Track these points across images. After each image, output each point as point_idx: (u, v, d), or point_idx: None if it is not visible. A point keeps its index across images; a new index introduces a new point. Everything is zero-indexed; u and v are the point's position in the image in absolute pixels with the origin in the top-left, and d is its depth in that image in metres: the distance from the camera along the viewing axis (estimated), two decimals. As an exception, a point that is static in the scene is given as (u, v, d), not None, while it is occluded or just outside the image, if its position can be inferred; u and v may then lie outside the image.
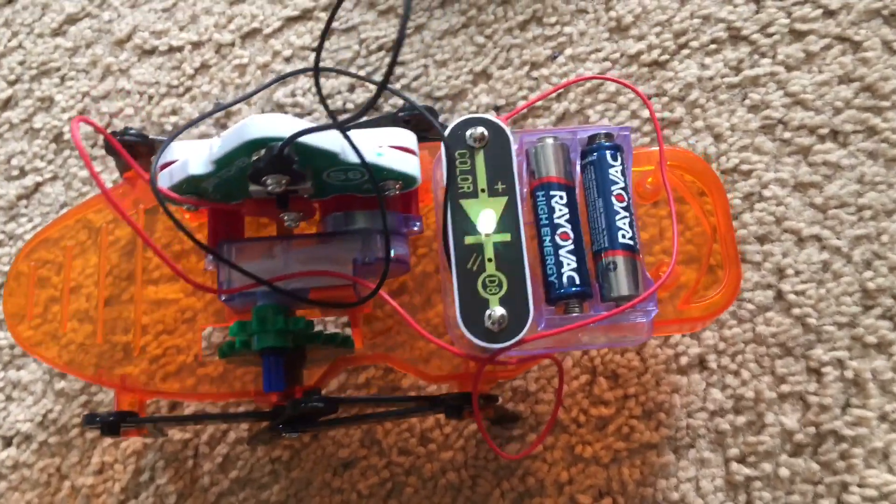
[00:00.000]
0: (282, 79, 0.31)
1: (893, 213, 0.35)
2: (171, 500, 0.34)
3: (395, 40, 0.21)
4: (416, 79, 0.39)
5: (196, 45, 0.40)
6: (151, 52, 0.40)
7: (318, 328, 0.35)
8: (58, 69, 0.40)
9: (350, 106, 0.38)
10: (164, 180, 0.25)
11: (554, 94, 0.38)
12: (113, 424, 0.29)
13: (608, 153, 0.29)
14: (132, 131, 0.31)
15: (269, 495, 0.34)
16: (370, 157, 0.25)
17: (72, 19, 0.41)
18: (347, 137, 0.24)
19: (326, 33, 0.21)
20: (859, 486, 0.32)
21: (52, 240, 0.33)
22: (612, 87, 0.37)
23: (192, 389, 0.32)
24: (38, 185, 0.39)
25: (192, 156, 0.25)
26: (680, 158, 0.31)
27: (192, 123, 0.27)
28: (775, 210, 0.35)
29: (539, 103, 0.38)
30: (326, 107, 0.23)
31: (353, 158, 0.24)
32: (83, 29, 0.41)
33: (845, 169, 0.36)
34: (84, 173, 0.39)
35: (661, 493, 0.33)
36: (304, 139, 0.23)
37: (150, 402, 0.35)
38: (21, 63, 0.41)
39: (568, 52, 0.38)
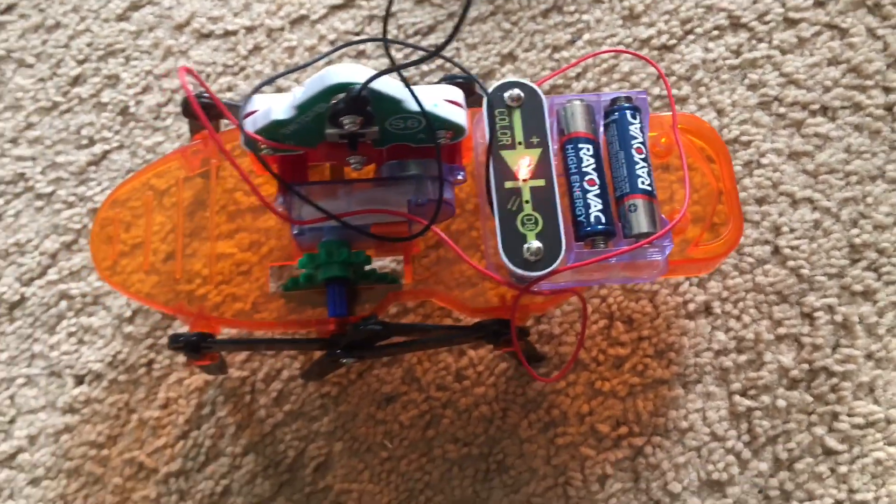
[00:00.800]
0: (352, 44, 0.35)
1: (877, 178, 0.39)
2: (230, 431, 0.38)
3: (461, 11, 0.25)
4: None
5: (249, 30, 0.44)
6: (208, 35, 0.45)
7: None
8: (123, 50, 0.45)
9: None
10: (249, 126, 0.29)
11: (573, 74, 0.42)
12: (194, 344, 0.33)
13: (628, 112, 0.33)
14: (206, 94, 0.35)
15: (319, 426, 0.38)
16: (428, 107, 0.29)
17: (135, 6, 0.46)
18: (408, 86, 0.28)
19: (390, 6, 0.25)
20: (848, 415, 0.36)
21: (120, 201, 0.37)
22: (626, 66, 0.42)
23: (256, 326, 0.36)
24: (105, 153, 0.43)
25: (274, 104, 0.29)
26: (690, 123, 0.36)
27: (272, 79, 0.31)
28: (772, 175, 0.40)
29: (560, 81, 0.42)
30: (392, 60, 0.27)
31: (414, 107, 0.29)
32: (146, 14, 0.45)
33: (834, 140, 0.40)
34: (147, 142, 0.43)
35: (672, 422, 0.37)
36: (375, 85, 0.27)
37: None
38: (89, 45, 0.45)
39: (586, 36, 0.43)
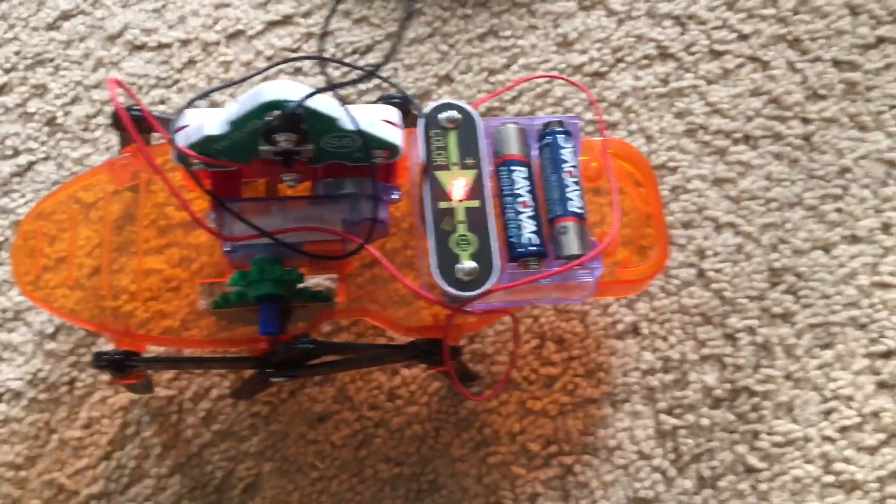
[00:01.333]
0: (289, 61, 0.35)
1: (795, 205, 0.41)
2: (156, 451, 0.37)
3: (396, 31, 0.25)
4: (387, 78, 0.43)
5: (184, 43, 0.44)
6: (141, 47, 0.44)
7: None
8: (52, 59, 0.44)
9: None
10: (181, 140, 0.29)
11: (508, 97, 0.43)
12: (119, 362, 0.32)
13: (560, 136, 0.34)
14: (136, 107, 0.34)
15: (248, 446, 0.37)
16: (363, 126, 0.29)
17: (66, 15, 0.45)
18: (344, 104, 0.28)
19: (328, 22, 0.26)
20: (768, 433, 0.37)
21: (45, 214, 0.36)
22: (559, 91, 0.43)
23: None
24: (31, 164, 0.42)
25: (207, 119, 0.29)
26: (620, 148, 0.37)
27: (206, 94, 0.31)
28: (697, 201, 0.41)
29: (496, 104, 0.43)
30: (328, 78, 0.27)
31: (350, 126, 0.29)
32: (76, 24, 0.44)
33: (755, 167, 0.42)
34: (75, 154, 0.42)
35: (600, 440, 0.37)
36: (310, 103, 0.27)
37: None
38: (17, 53, 0.44)
39: (521, 61, 0.44)
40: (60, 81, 0.43)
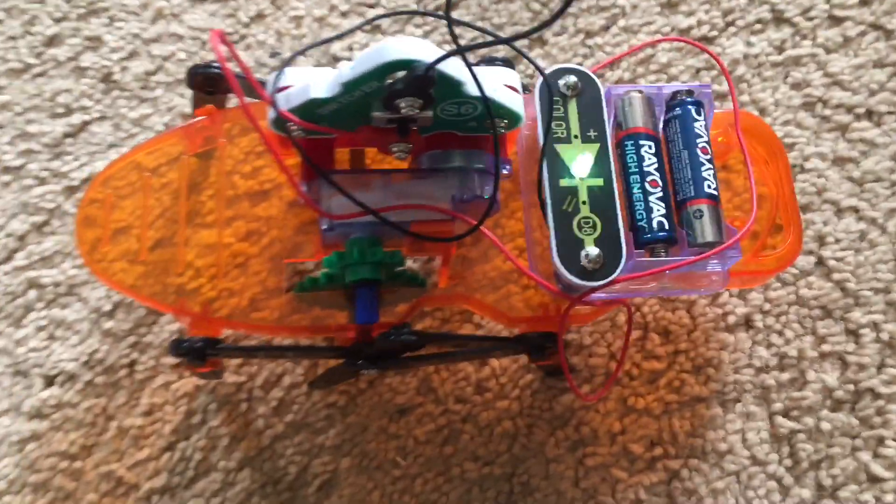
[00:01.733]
0: (408, 13, 0.31)
1: (923, 189, 0.37)
2: (223, 443, 0.34)
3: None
4: (473, 40, 0.39)
5: (251, -6, 0.40)
6: (204, -3, 0.40)
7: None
8: (106, 9, 0.40)
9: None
10: (281, 103, 0.25)
11: (608, 65, 0.39)
12: (200, 351, 0.29)
13: (692, 108, 0.30)
14: (216, 64, 0.31)
15: (324, 439, 0.34)
16: (488, 93, 0.26)
17: (120, -40, 0.41)
18: (472, 71, 0.24)
19: None
20: (894, 439, 0.34)
21: (110, 180, 0.32)
22: (664, 58, 0.39)
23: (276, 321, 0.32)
24: (84, 124, 0.38)
25: (313, 80, 0.25)
26: (746, 121, 0.33)
27: (305, 49, 0.27)
28: (816, 182, 0.37)
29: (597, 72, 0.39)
30: (457, 43, 0.23)
31: (474, 91, 0.25)
32: (132, -29, 0.40)
33: (880, 146, 0.38)
34: (133, 114, 0.38)
35: (710, 443, 0.34)
36: (444, 67, 0.23)
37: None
38: (68, 1, 0.40)
39: (621, 23, 0.40)
40: (116, 34, 0.39)
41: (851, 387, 0.35)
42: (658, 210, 0.28)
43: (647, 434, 0.34)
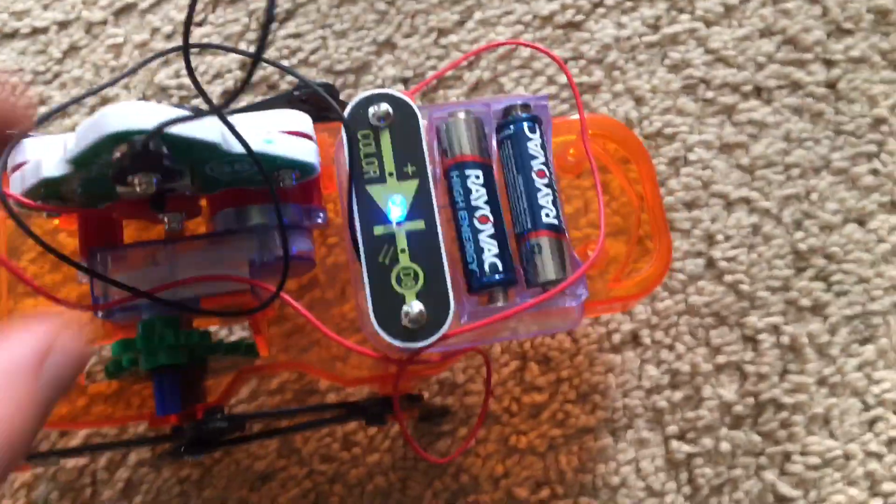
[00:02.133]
0: (148, 62, 0.27)
1: (821, 169, 0.34)
2: (70, 534, 0.31)
3: (266, 7, 0.18)
4: (313, 52, 0.35)
5: (63, 25, 0.36)
6: (13, 35, 0.36)
7: (223, 333, 0.32)
8: None
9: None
10: (16, 185, 0.22)
11: (465, 64, 0.35)
12: None
13: (526, 125, 0.26)
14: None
15: (180, 519, 0.31)
16: (258, 146, 0.22)
17: (-83, 1, 0.36)
18: (228, 123, 0.20)
19: (194, 4, 0.18)
20: (801, 454, 0.31)
21: None
22: (526, 52, 0.35)
23: (84, 411, 0.29)
24: None
25: (45, 155, 0.21)
26: (601, 126, 0.29)
27: (48, 116, 0.23)
28: (702, 174, 0.34)
29: (449, 73, 0.35)
30: (200, 89, 0.20)
31: (238, 148, 0.21)
32: (-69, 11, 0.36)
33: (771, 127, 0.34)
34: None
35: (600, 478, 0.31)
36: (175, 129, 0.20)
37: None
38: None
39: (477, 16, 0.36)
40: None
41: (752, 400, 0.32)
42: (490, 250, 0.25)
43: (532, 475, 0.31)
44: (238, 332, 0.32)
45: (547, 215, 0.25)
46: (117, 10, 0.36)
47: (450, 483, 0.31)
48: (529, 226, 0.25)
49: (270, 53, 0.35)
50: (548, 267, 0.25)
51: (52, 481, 0.31)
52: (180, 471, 0.31)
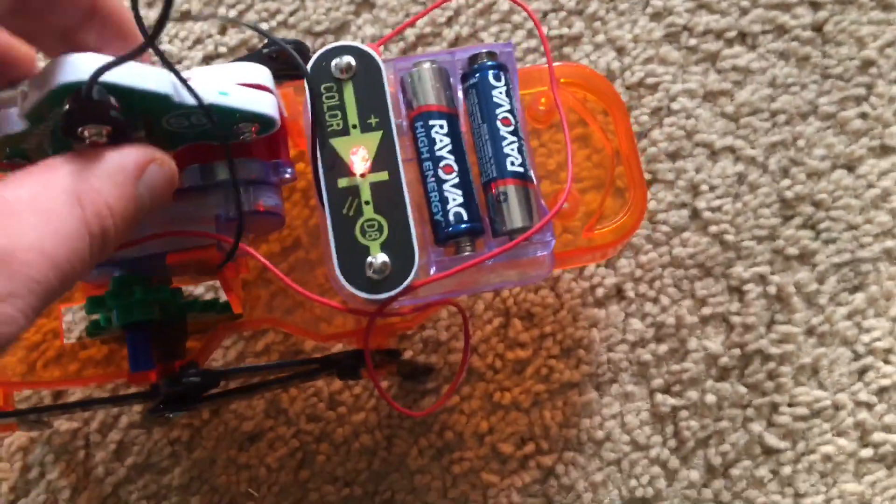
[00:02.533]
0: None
1: (808, 115, 0.33)
2: (65, 495, 0.31)
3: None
4: (292, 14, 0.35)
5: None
6: None
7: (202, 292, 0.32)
8: None
9: (223, 50, 0.35)
10: None
11: (443, 20, 0.35)
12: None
13: (490, 73, 0.26)
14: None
15: (170, 479, 0.31)
16: (212, 98, 0.22)
17: None
18: (169, 65, 0.20)
19: None
20: (789, 405, 0.31)
21: None
22: (505, 5, 0.35)
23: (76, 374, 0.29)
24: None
25: (5, 112, 0.22)
26: (577, 75, 0.29)
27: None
28: (685, 123, 0.33)
29: (428, 30, 0.35)
30: (142, 27, 0.19)
31: (192, 101, 0.21)
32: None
33: (756, 73, 0.33)
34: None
35: (585, 432, 0.31)
36: (122, 80, 0.20)
37: (31, 393, 0.32)
38: None
39: (455, -30, 0.35)
40: None
41: (738, 351, 0.31)
42: (454, 199, 0.25)
43: (516, 430, 0.31)
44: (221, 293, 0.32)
45: (512, 163, 0.25)
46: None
47: (435, 440, 0.31)
48: (495, 174, 0.25)
49: (250, 17, 0.35)
50: (514, 215, 0.25)
51: (46, 444, 0.32)
52: (171, 432, 0.32)
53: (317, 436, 0.32)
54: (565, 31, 0.34)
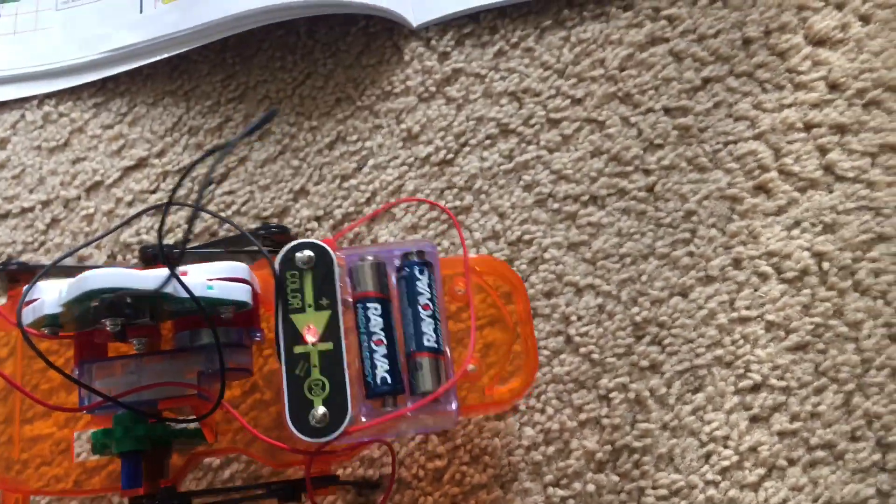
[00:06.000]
0: (125, 223, 0.36)
1: (648, 255, 0.43)
2: None
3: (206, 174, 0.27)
4: (244, 203, 0.45)
5: (45, 204, 0.45)
6: (6, 215, 0.45)
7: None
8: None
9: (190, 237, 0.44)
10: (28, 316, 0.31)
11: (363, 200, 0.44)
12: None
13: (416, 269, 0.34)
14: (14, 261, 0.36)
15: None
16: (201, 292, 0.31)
17: (-72, 196, 0.46)
18: (181, 282, 0.29)
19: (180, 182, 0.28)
20: (653, 488, 0.39)
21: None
22: (410, 185, 0.44)
23: (77, 481, 0.37)
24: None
25: (47, 297, 0.30)
26: (487, 264, 0.37)
27: (47, 269, 0.32)
28: (555, 268, 0.43)
29: (352, 208, 0.44)
30: (163, 252, 0.28)
31: (185, 294, 0.30)
32: (-60, 203, 0.46)
33: (606, 226, 0.43)
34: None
35: (495, 523, 0.39)
36: (133, 285, 0.29)
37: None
38: None
39: (371, 162, 0.45)
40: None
41: (609, 447, 0.39)
42: (382, 366, 0.33)
43: (441, 526, 0.39)
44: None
45: (428, 340, 0.34)
46: (88, 188, 0.45)
47: (376, 539, 0.39)
48: (414, 347, 0.34)
49: (212, 206, 0.44)
50: (426, 380, 0.33)
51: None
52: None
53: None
54: (458, 203, 0.44)
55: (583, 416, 0.40)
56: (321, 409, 0.32)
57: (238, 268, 0.33)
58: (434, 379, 0.33)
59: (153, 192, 0.45)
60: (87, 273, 0.29)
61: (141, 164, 0.46)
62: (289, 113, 0.46)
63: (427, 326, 0.34)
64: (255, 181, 0.45)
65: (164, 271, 0.30)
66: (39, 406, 0.37)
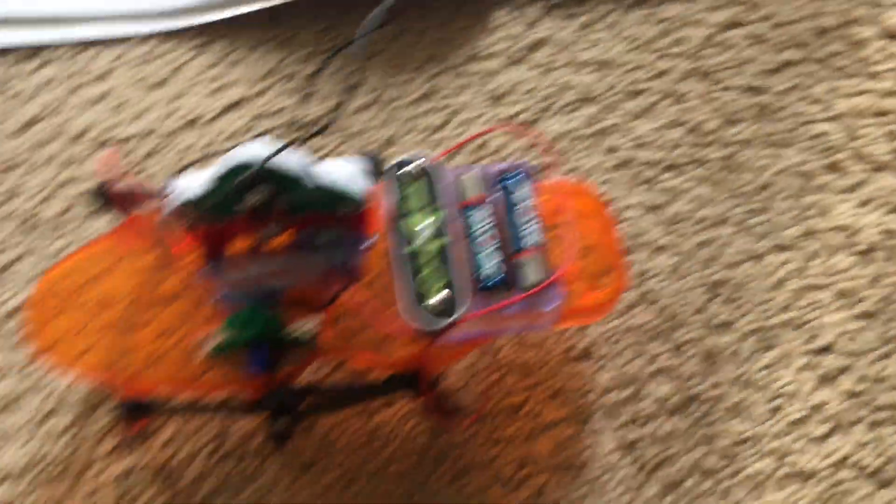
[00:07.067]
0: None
1: (723, 222, 0.44)
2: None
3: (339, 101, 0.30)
4: (336, 148, 0.47)
5: (145, 136, 0.47)
6: (105, 143, 0.47)
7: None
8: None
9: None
10: (169, 206, 0.32)
11: (448, 154, 0.46)
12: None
13: (516, 178, 0.38)
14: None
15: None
16: (325, 182, 0.33)
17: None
18: (307, 163, 0.31)
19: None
20: (723, 436, 0.40)
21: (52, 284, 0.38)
22: (494, 143, 0.47)
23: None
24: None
25: (189, 184, 0.32)
26: (572, 187, 0.40)
27: (190, 165, 0.34)
28: (632, 229, 0.44)
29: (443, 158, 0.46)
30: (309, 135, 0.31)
31: (311, 183, 0.32)
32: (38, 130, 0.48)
33: (683, 192, 0.45)
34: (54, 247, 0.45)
35: (568, 459, 0.40)
36: (274, 163, 0.31)
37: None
38: (-11, 160, 0.47)
39: (457, 119, 0.48)
40: (33, 182, 0.46)
41: (681, 396, 0.41)
42: (491, 262, 0.36)
43: (515, 458, 0.40)
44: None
45: (528, 239, 0.36)
46: (186, 122, 0.48)
47: (451, 467, 0.40)
48: (517, 247, 0.36)
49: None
50: (530, 273, 0.35)
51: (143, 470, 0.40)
52: (241, 463, 0.40)
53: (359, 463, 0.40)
54: (541, 161, 0.46)
55: (655, 367, 0.42)
56: (439, 295, 0.34)
57: (358, 165, 0.35)
58: (538, 272, 0.35)
59: (247, 130, 0.47)
60: (233, 150, 0.31)
61: (240, 103, 0.48)
62: (384, 65, 0.49)
63: (525, 228, 0.36)
64: (347, 128, 0.47)
65: (302, 154, 0.32)
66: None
